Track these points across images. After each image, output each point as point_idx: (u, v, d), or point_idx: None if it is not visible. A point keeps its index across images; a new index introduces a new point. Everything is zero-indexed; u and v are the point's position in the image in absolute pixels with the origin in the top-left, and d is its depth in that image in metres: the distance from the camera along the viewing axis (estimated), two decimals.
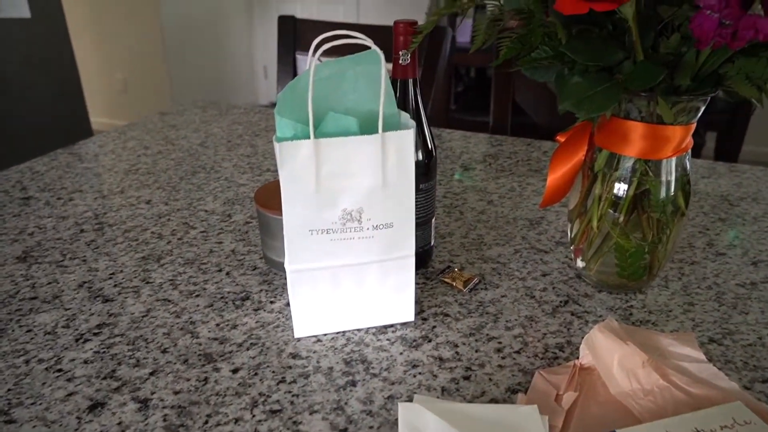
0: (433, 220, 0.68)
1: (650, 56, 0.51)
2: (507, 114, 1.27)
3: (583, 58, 0.50)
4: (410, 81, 0.61)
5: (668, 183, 0.59)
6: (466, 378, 0.52)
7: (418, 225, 0.65)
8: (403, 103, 0.62)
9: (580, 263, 0.66)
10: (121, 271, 0.68)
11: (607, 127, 0.59)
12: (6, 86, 2.08)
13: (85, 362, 0.54)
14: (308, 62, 0.49)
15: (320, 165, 0.50)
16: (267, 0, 4.03)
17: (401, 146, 0.52)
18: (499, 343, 0.57)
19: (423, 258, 0.69)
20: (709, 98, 0.54)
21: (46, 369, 0.53)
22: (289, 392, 0.50)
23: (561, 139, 0.65)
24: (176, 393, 0.50)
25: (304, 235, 0.53)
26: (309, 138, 0.50)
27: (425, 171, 0.64)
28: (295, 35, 1.44)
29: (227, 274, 0.68)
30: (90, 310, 0.61)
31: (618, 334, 0.52)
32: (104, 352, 0.55)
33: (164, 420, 0.47)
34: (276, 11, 3.95)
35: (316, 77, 0.52)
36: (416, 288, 0.65)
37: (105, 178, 0.94)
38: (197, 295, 0.64)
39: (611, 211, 0.61)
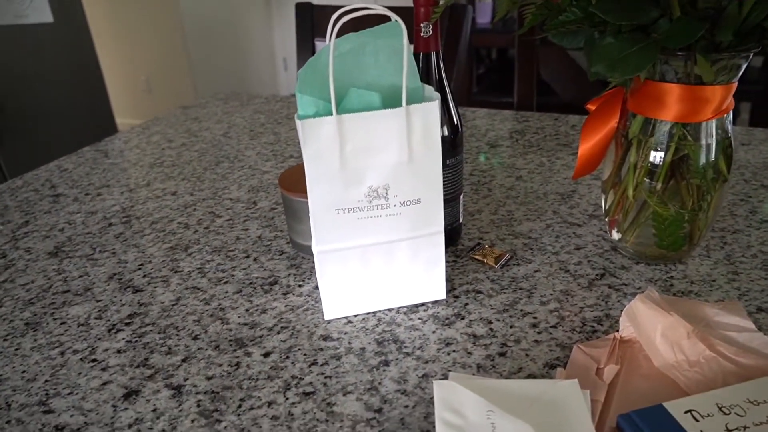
0: (461, 196, 0.66)
1: (688, 12, 0.48)
2: (532, 90, 1.24)
3: (615, 18, 0.47)
4: (432, 54, 0.59)
5: (708, 147, 0.56)
6: (502, 354, 0.51)
7: (445, 202, 0.64)
8: (426, 77, 0.60)
9: (615, 235, 0.64)
10: (150, 262, 0.68)
11: (641, 91, 0.56)
12: (32, 90, 2.11)
13: (119, 351, 0.54)
14: (327, 37, 0.48)
15: (344, 142, 0.49)
16: None
17: (426, 119, 0.50)
18: (535, 318, 0.55)
19: (452, 235, 0.67)
20: (752, 55, 0.51)
21: (81, 359, 0.53)
22: (322, 374, 0.50)
23: (592, 107, 0.63)
24: (209, 378, 0.50)
25: (331, 214, 0.52)
26: (331, 115, 0.48)
27: (451, 146, 0.62)
28: (312, 22, 1.43)
29: (255, 260, 0.67)
30: (121, 300, 0.62)
31: (660, 305, 0.50)
32: (136, 341, 0.55)
33: (198, 405, 0.47)
34: (293, 1, 3.94)
35: (335, 53, 0.51)
36: (446, 266, 0.63)
37: (131, 172, 0.95)
38: (226, 282, 0.63)
39: (647, 179, 0.58)
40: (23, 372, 0.52)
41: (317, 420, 0.45)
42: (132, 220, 0.79)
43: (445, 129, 0.61)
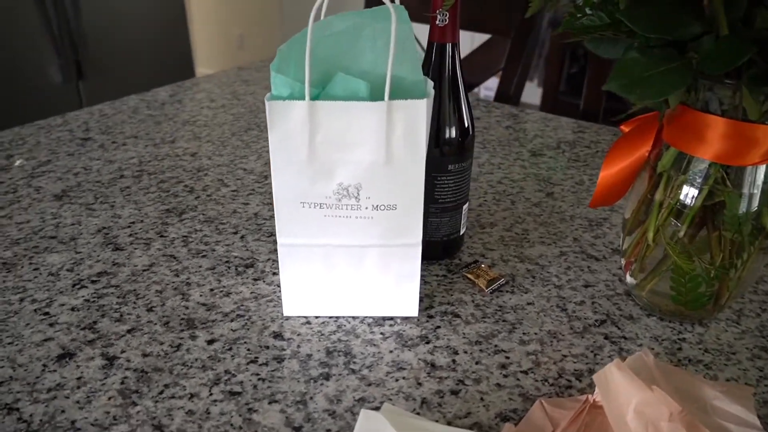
0: (466, 206, 0.60)
1: (739, 31, 0.40)
2: (600, 97, 1.14)
3: (645, 29, 0.39)
4: (448, 45, 0.53)
5: (751, 197, 0.47)
6: (455, 393, 0.45)
7: (445, 210, 0.58)
8: (438, 71, 0.54)
9: (629, 279, 0.56)
10: (142, 221, 0.67)
11: (679, 119, 0.48)
12: (116, 29, 2.19)
13: (73, 309, 0.53)
14: (312, 13, 0.43)
15: (315, 131, 0.45)
16: None
17: (411, 118, 0.45)
18: (507, 357, 0.49)
19: (449, 247, 0.61)
20: None
21: (35, 310, 0.53)
22: (257, 375, 0.46)
23: (625, 129, 0.55)
24: (145, 355, 0.48)
25: (296, 206, 0.48)
26: (305, 99, 0.44)
27: (458, 151, 0.56)
28: None
29: (241, 237, 0.65)
30: (98, 256, 0.61)
31: (645, 372, 0.42)
32: (94, 301, 0.54)
33: (122, 383, 0.45)
34: None
35: (327, 32, 0.46)
36: (434, 280, 0.58)
37: (163, 126, 0.95)
38: (203, 256, 0.61)
39: (675, 221, 0.50)
40: None
41: (231, 425, 0.42)
42: (143, 175, 0.78)
43: (453, 131, 0.55)
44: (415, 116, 0.45)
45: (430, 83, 0.49)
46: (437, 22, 0.52)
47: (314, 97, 0.45)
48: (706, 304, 0.52)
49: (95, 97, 2.12)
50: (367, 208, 0.47)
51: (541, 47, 3.08)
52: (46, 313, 0.52)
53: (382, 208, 0.47)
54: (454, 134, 0.55)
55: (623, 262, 0.56)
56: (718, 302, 0.52)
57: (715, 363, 0.49)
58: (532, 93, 3.54)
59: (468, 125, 0.56)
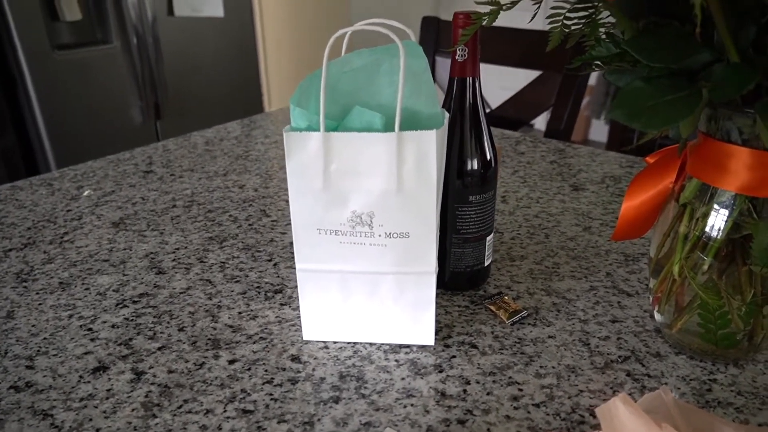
0: (490, 237, 0.60)
1: (750, 58, 0.39)
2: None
3: (649, 58, 0.39)
4: (469, 80, 0.55)
5: None
6: (461, 422, 0.45)
7: (468, 241, 0.58)
8: (459, 104, 0.55)
9: (657, 316, 0.54)
10: (186, 247, 0.72)
11: (701, 149, 0.47)
12: (194, 74, 2.36)
13: (113, 326, 0.57)
14: (327, 49, 0.46)
15: (329, 161, 0.47)
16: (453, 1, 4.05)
17: (421, 149, 0.46)
18: (520, 390, 0.48)
19: (473, 279, 0.61)
20: None
21: (81, 326, 0.57)
22: (270, 395, 0.48)
23: (650, 160, 0.54)
24: (170, 372, 0.51)
25: (312, 233, 0.50)
26: (324, 131, 0.46)
27: (480, 182, 0.57)
28: (437, 36, 1.41)
29: (275, 265, 0.67)
30: (142, 278, 0.65)
31: (662, 411, 0.41)
32: (132, 320, 0.58)
33: (146, 396, 0.48)
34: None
35: (347, 68, 0.49)
36: (455, 311, 0.58)
37: (218, 160, 1.01)
38: (237, 281, 0.64)
39: (702, 255, 0.48)
40: (33, 326, 0.57)
41: None
42: (193, 205, 0.84)
43: (475, 163, 0.56)
44: (425, 147, 0.46)
45: (446, 116, 0.51)
46: (457, 57, 0.54)
47: (333, 129, 0.48)
48: (739, 344, 0.49)
49: (171, 136, 2.28)
50: (380, 235, 0.49)
51: (609, 84, 3.03)
52: (90, 329, 0.57)
53: (395, 236, 0.49)
54: (475, 166, 0.56)
55: (651, 297, 0.54)
56: (753, 341, 0.49)
57: (748, 406, 0.46)
58: (600, 130, 3.47)
59: (490, 157, 0.57)
